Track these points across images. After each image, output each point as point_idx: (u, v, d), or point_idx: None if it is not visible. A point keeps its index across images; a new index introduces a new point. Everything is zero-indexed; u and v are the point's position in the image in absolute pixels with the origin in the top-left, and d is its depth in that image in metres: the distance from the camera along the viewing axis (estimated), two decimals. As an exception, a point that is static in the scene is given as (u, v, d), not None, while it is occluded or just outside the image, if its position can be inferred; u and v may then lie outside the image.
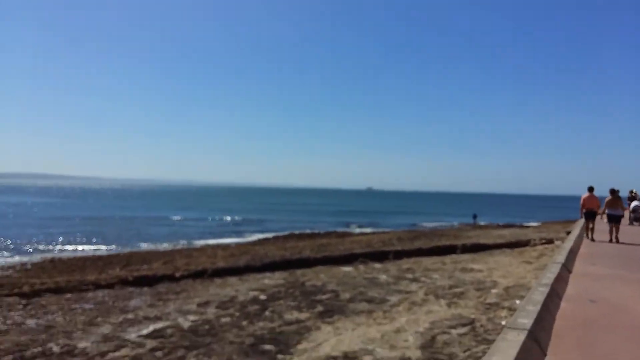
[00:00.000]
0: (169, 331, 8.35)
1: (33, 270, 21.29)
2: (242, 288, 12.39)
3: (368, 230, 44.25)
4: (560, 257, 9.92)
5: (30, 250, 28.24)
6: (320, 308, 9.85)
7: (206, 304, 10.59)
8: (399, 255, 20.90)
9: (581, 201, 16.90)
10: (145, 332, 8.39)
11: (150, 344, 7.65)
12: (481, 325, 8.22)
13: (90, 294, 12.81)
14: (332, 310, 9.58)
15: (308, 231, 41.59)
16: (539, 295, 5.85)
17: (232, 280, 14.20)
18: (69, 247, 29.69)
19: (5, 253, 27.00)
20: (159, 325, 8.82)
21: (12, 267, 22.39)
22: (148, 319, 9.31)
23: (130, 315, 9.74)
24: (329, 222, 57.75)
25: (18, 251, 27.99)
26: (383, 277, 13.36)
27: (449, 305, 9.91)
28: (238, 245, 30.37)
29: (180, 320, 9.16)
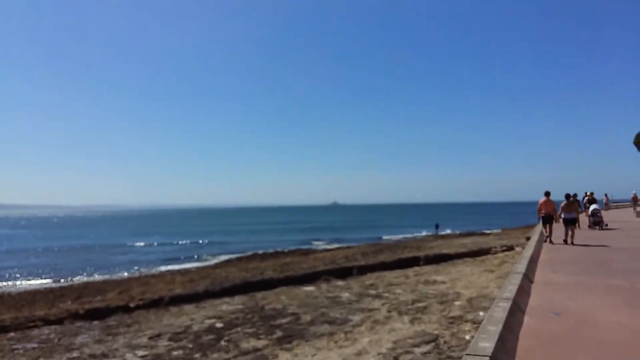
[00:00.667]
0: (114, 371, 7.73)
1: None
2: (198, 316, 11.78)
3: (333, 246, 43.90)
4: (521, 266, 9.79)
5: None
6: (279, 333, 9.38)
7: (158, 336, 9.95)
8: (363, 270, 20.61)
9: (538, 206, 17.20)
10: (88, 373, 7.73)
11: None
12: (445, 342, 7.94)
13: (35, 332, 11.93)
14: (291, 336, 9.13)
15: (271, 250, 40.86)
16: (500, 311, 5.57)
17: (189, 308, 13.54)
18: (21, 281, 28.14)
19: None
20: (104, 364, 8.17)
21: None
22: (95, 358, 8.63)
23: (75, 354, 9.03)
24: (293, 239, 57.19)
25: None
26: (345, 295, 13.00)
27: (412, 321, 9.62)
28: (199, 269, 29.42)
29: (129, 356, 8.52)
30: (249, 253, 40.25)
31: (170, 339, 9.58)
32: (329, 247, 41.93)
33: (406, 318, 9.93)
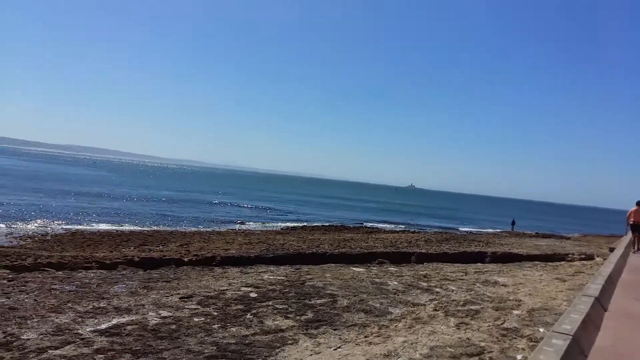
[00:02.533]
0: (128, 328, 7.43)
1: (50, 241, 21.11)
2: (238, 282, 11.40)
3: (399, 228, 42.69)
4: (594, 288, 8.33)
5: (60, 221, 28.31)
6: (309, 315, 8.72)
7: (190, 297, 9.65)
8: (422, 258, 19.55)
9: (628, 214, 15.61)
10: (104, 326, 7.49)
11: (99, 343, 6.73)
12: (490, 359, 6.91)
13: (82, 274, 12.13)
14: (320, 320, 8.44)
15: (337, 224, 40.44)
16: (551, 355, 4.36)
17: (233, 271, 13.25)
18: (97, 222, 29.64)
19: (36, 221, 27.14)
20: (123, 319, 7.91)
21: (32, 236, 22.33)
22: (117, 311, 8.43)
23: (102, 303, 8.90)
24: (363, 217, 56.43)
25: (49, 220, 28.15)
26: (393, 284, 12.09)
27: (458, 326, 8.59)
28: (262, 232, 29.59)
29: (150, 315, 8.23)
30: (316, 224, 40.21)
31: (199, 303, 9.23)
32: (396, 229, 40.79)
33: (452, 321, 8.90)
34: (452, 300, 10.58)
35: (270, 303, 9.44)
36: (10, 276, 11.50)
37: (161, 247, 20.43)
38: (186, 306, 8.98)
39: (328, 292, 10.69)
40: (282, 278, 12.18)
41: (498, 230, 48.83)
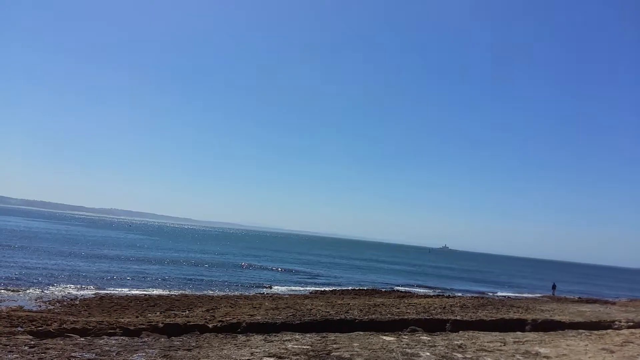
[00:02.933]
0: (144, 402, 7.07)
1: (78, 306, 21.11)
2: (260, 351, 10.93)
3: (433, 292, 41.29)
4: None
5: (90, 285, 28.47)
6: (334, 390, 8.18)
7: (209, 368, 9.25)
8: (457, 326, 18.61)
9: None
10: (119, 399, 7.17)
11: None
12: None
13: (103, 341, 11.88)
14: (346, 395, 7.89)
15: (368, 287, 39.44)
16: None
17: (257, 339, 12.77)
18: (128, 286, 29.70)
19: (67, 285, 27.36)
20: (139, 391, 7.57)
21: (62, 300, 22.43)
22: (134, 382, 8.10)
23: (120, 374, 8.60)
24: (394, 280, 55.05)
25: (79, 284, 28.35)
26: (425, 355, 11.38)
27: (495, 404, 7.88)
28: (290, 297, 29.02)
29: (168, 387, 7.86)
30: (346, 287, 39.38)
31: (219, 374, 8.81)
32: (429, 293, 39.43)
33: (489, 398, 8.19)
34: (489, 374, 9.82)
35: (293, 375, 8.94)
36: (32, 342, 11.36)
37: (187, 312, 20.13)
38: (205, 378, 8.58)
39: (355, 363, 10.10)
40: (307, 347, 11.64)
41: (538, 295, 46.64)
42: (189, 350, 11.03)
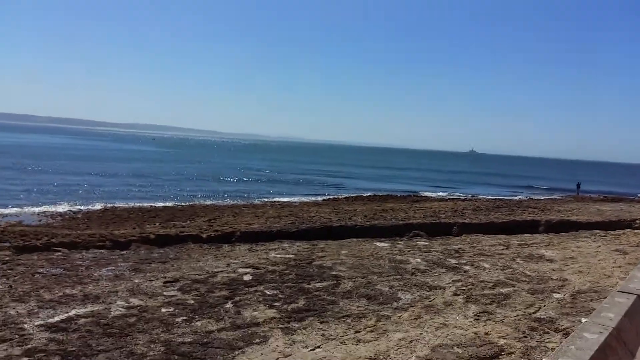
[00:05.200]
0: (80, 322, 6.43)
1: (79, 219, 21.01)
2: (238, 262, 10.28)
3: (449, 195, 40.51)
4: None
5: (99, 199, 28.46)
6: (300, 303, 7.44)
7: (174, 282, 8.61)
8: (464, 229, 17.81)
9: None
10: (56, 319, 6.55)
11: (36, 341, 5.77)
12: (506, 364, 5.43)
13: (79, 255, 11.42)
14: (310, 309, 7.14)
15: (383, 193, 38.84)
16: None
17: (242, 249, 12.15)
18: (138, 198, 29.65)
19: (75, 200, 27.35)
20: (83, 310, 6.95)
21: (64, 214, 22.40)
22: (84, 299, 7.49)
23: (75, 290, 8.02)
24: (415, 184, 54.39)
25: (88, 198, 28.38)
26: (416, 261, 10.57)
27: (478, 316, 7.06)
28: (300, 204, 28.66)
29: (117, 304, 7.22)
30: (363, 194, 38.94)
31: (180, 288, 8.16)
32: (445, 197, 38.66)
33: (473, 309, 7.36)
34: (480, 282, 8.98)
35: (261, 288, 8.24)
36: (7, 258, 10.97)
37: (188, 222, 19.77)
38: (164, 292, 7.95)
39: (334, 273, 9.36)
40: (291, 256, 10.95)
41: (562, 196, 45.36)
42: (164, 262, 10.45)
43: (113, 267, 9.91)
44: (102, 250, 12.28)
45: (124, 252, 12.11)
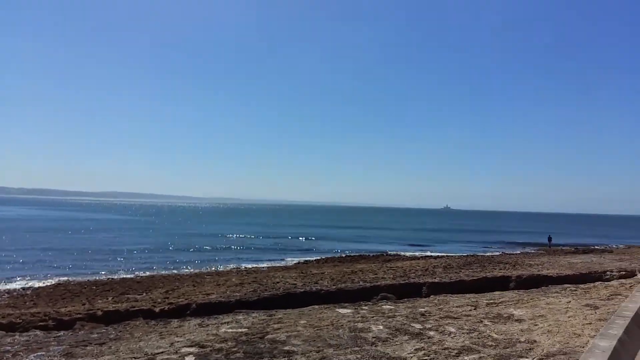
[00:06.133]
0: None
1: (27, 296, 19.65)
2: (183, 340, 9.38)
3: (422, 253, 40.01)
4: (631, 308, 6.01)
5: (58, 272, 27.00)
6: (241, 387, 6.62)
7: (105, 367, 7.69)
8: (434, 289, 17.21)
9: None
10: None
11: None
12: None
13: (8, 339, 10.35)
14: (250, 394, 6.33)
15: (355, 254, 38.12)
16: None
17: (191, 324, 11.23)
18: (98, 270, 28.29)
19: (33, 274, 25.88)
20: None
21: (11, 291, 20.99)
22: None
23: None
24: (388, 243, 53.87)
25: (47, 272, 26.93)
26: (377, 329, 9.84)
27: (437, 391, 6.34)
28: (269, 269, 27.72)
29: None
30: (335, 254, 38.23)
31: (110, 376, 7.26)
32: (417, 255, 38.13)
33: (432, 383, 6.64)
34: (444, 349, 8.29)
35: (201, 371, 7.39)
36: None
37: (144, 294, 18.67)
38: (89, 382, 7.03)
39: (287, 348, 8.55)
40: (244, 330, 10.10)
41: (533, 250, 45.33)
42: (101, 344, 9.49)
43: (43, 353, 8.91)
44: (39, 332, 11.23)
45: (62, 333, 11.06)
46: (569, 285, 15.68)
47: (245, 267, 29.45)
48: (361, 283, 18.01)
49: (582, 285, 15.45)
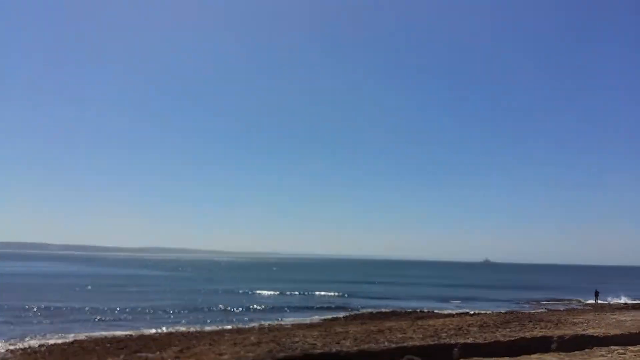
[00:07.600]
0: None
1: (39, 353, 19.06)
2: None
3: (456, 310, 37.85)
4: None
5: (75, 329, 26.46)
6: None
7: None
8: (467, 350, 15.69)
9: None
10: None
11: None
12: None
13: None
14: None
15: (387, 310, 36.33)
16: None
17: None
18: (116, 326, 27.64)
19: (51, 332, 25.41)
20: None
21: (25, 349, 20.42)
22: None
23: None
24: (422, 299, 51.52)
25: (64, 328, 26.44)
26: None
27: None
28: (293, 326, 26.51)
29: None
30: (365, 312, 36.52)
31: None
32: (452, 311, 36.01)
33: None
34: None
35: None
36: None
37: (157, 353, 17.72)
38: None
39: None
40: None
41: (580, 306, 42.35)
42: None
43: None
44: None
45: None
46: (616, 348, 13.95)
47: (269, 325, 28.21)
48: (386, 343, 16.62)
49: (631, 348, 13.71)
